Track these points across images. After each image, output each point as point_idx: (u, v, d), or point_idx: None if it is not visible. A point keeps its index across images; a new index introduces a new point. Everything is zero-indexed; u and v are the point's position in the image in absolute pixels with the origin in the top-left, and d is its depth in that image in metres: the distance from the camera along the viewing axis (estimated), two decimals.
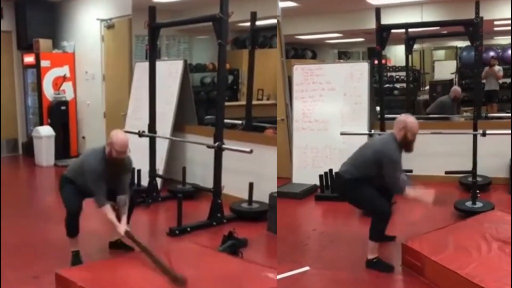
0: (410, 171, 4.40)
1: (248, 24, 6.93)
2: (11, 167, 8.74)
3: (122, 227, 4.11)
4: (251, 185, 5.57)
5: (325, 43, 12.20)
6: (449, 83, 9.88)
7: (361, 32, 10.13)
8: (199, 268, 3.88)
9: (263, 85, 8.90)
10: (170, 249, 4.24)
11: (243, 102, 7.64)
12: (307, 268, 4.13)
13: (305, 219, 5.92)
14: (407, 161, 4.17)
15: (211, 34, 5.31)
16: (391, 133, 4.04)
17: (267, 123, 7.29)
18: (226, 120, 5.71)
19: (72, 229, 4.27)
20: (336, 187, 5.88)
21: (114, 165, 4.13)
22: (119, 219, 4.14)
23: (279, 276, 3.85)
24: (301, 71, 7.19)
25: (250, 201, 5.59)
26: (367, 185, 4.03)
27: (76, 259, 4.29)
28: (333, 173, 6.29)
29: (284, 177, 6.74)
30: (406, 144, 3.96)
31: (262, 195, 5.48)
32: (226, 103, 5.89)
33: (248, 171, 5.78)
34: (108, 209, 4.11)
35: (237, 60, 9.37)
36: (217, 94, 5.53)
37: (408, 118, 3.98)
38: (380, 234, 4.08)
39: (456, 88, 8.32)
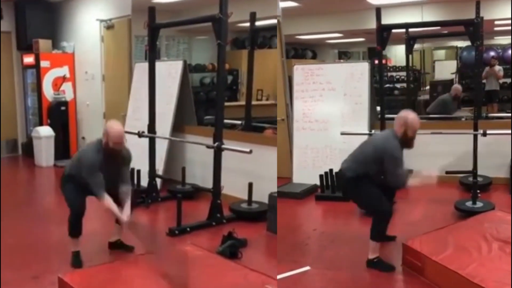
0: (410, 171, 4.39)
1: (247, 24, 6.93)
2: (10, 167, 8.73)
3: (124, 216, 4.09)
4: (250, 185, 5.56)
5: (326, 43, 12.20)
6: (450, 83, 9.84)
7: (361, 32, 10.12)
8: (197, 276, 3.78)
9: (263, 85, 8.88)
10: (168, 253, 4.19)
11: (243, 103, 7.62)
12: (307, 268, 4.13)
13: (305, 219, 5.91)
14: (407, 160, 4.17)
15: (211, 35, 5.31)
16: (392, 129, 4.03)
17: (266, 123, 7.28)
18: (225, 120, 5.71)
19: (76, 229, 4.26)
20: (338, 185, 5.92)
21: (112, 156, 4.11)
22: (121, 210, 4.12)
23: (279, 276, 3.85)
24: (301, 71, 7.18)
25: (249, 201, 5.59)
26: (369, 184, 4.01)
27: (76, 259, 4.27)
28: (334, 173, 6.29)
29: (284, 177, 6.73)
30: (407, 140, 3.94)
31: (261, 195, 5.47)
32: (226, 104, 5.90)
33: (248, 171, 5.77)
34: (108, 199, 4.07)
35: (236, 60, 9.36)
36: (217, 94, 5.52)
37: (409, 115, 3.96)
38: (381, 234, 4.07)
39: (456, 86, 8.33)
